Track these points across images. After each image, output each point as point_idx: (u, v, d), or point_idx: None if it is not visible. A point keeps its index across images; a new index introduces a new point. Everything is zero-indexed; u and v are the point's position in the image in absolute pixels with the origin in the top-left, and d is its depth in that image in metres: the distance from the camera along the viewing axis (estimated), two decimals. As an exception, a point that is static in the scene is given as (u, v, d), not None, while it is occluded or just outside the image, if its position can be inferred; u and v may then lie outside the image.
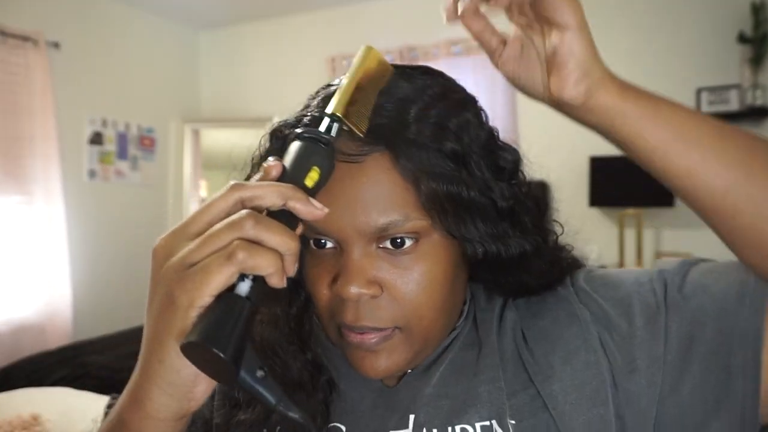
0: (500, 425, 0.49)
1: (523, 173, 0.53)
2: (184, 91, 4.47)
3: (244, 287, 0.36)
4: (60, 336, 3.32)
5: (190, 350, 0.35)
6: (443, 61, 3.57)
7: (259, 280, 0.37)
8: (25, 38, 3.24)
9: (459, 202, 0.46)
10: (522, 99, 3.45)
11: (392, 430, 0.51)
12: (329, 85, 0.52)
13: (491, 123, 0.53)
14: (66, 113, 3.50)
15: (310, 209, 0.38)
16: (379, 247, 0.47)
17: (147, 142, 4.11)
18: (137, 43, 4.04)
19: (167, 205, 4.32)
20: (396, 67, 0.50)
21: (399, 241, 0.46)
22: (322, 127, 0.43)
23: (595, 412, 0.48)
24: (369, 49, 0.48)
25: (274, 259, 0.36)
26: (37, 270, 3.30)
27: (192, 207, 4.35)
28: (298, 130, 0.44)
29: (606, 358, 0.49)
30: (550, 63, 0.45)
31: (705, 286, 0.48)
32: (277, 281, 0.36)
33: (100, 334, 3.13)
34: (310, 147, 0.42)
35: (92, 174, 3.73)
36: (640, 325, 0.49)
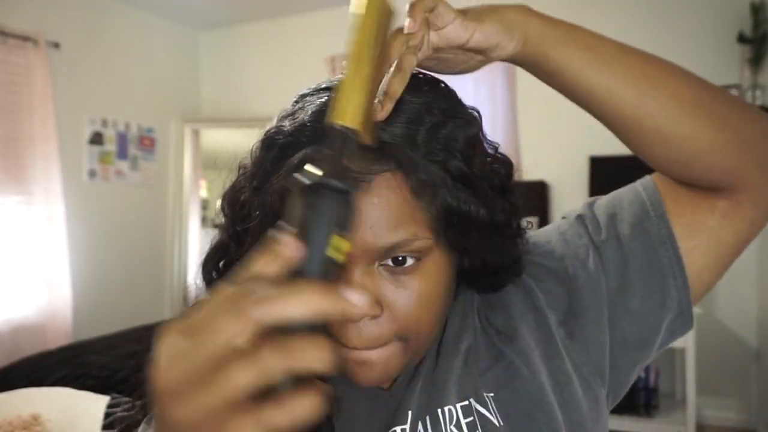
0: (478, 401, 0.51)
1: (513, 183, 0.53)
2: (184, 91, 4.47)
3: None
4: (60, 336, 3.33)
5: None
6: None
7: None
8: (25, 38, 3.24)
9: (466, 221, 0.46)
10: (522, 99, 3.47)
11: (393, 426, 0.52)
12: (317, 90, 0.50)
13: (492, 124, 0.53)
14: (66, 113, 3.51)
15: (346, 314, 0.30)
16: (381, 265, 0.46)
17: (147, 142, 4.12)
18: (137, 43, 4.05)
19: (167, 205, 4.32)
20: None
21: (401, 259, 0.46)
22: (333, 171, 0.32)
23: (553, 365, 0.53)
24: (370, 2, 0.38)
25: (311, 401, 0.27)
26: (37, 270, 3.30)
27: (192, 207, 4.36)
28: (305, 181, 0.32)
29: (553, 315, 0.55)
30: (478, 51, 0.49)
31: (613, 215, 0.56)
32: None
33: (100, 334, 3.13)
34: (327, 206, 0.31)
35: (92, 174, 3.73)
36: (578, 268, 0.55)
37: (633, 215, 0.55)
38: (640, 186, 0.58)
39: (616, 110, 0.50)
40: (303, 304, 0.28)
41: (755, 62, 2.91)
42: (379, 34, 0.38)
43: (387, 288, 0.46)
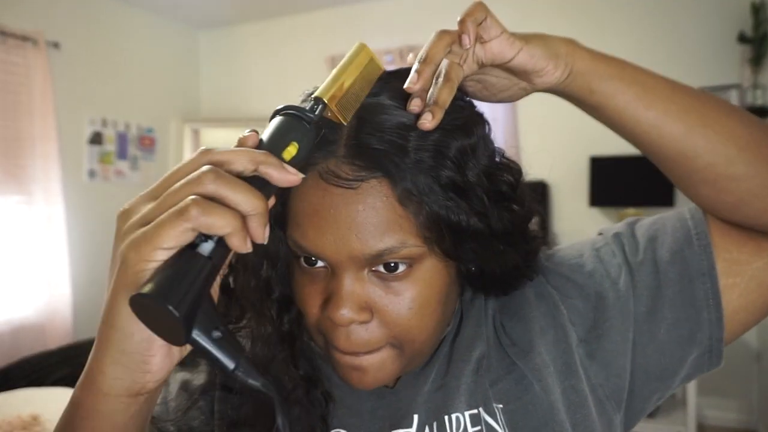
0: (487, 412, 0.51)
1: (521, 188, 0.52)
2: (184, 91, 4.47)
3: (206, 247, 0.34)
4: (60, 336, 3.33)
5: (139, 306, 0.33)
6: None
7: (222, 242, 0.34)
8: (25, 38, 3.24)
9: (457, 230, 0.45)
10: (522, 99, 3.47)
11: (397, 429, 0.52)
12: None
13: (492, 124, 0.52)
14: (66, 113, 3.51)
15: (283, 175, 0.37)
16: (372, 271, 0.46)
17: (147, 142, 4.11)
18: (137, 43, 4.04)
19: (167, 205, 4.31)
20: (395, 75, 0.49)
21: (392, 265, 0.45)
22: (307, 106, 0.43)
23: (567, 384, 0.51)
24: (362, 46, 0.48)
25: (231, 218, 0.34)
26: (37, 270, 3.30)
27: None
28: (280, 107, 0.42)
29: (574, 332, 0.53)
30: (523, 74, 0.49)
31: (654, 238, 0.54)
32: (237, 243, 0.34)
33: (100, 334, 3.12)
34: (290, 122, 0.41)
35: (92, 174, 3.73)
36: (607, 287, 0.53)
37: (675, 241, 0.53)
38: (687, 213, 0.55)
39: (663, 147, 0.49)
40: (248, 156, 0.36)
41: (755, 62, 2.91)
42: (366, 71, 0.47)
43: (377, 294, 0.46)
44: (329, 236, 0.44)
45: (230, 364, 0.35)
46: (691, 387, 2.60)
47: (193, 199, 0.33)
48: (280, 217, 0.48)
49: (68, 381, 2.39)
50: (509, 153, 0.53)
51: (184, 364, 0.55)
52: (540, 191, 3.31)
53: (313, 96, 0.43)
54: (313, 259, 0.47)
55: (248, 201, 0.34)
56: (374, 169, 0.44)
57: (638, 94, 0.48)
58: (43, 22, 3.38)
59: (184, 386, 0.56)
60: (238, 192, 0.34)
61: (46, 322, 3.32)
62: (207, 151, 0.37)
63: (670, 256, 0.53)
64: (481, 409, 0.51)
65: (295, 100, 0.54)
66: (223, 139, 4.57)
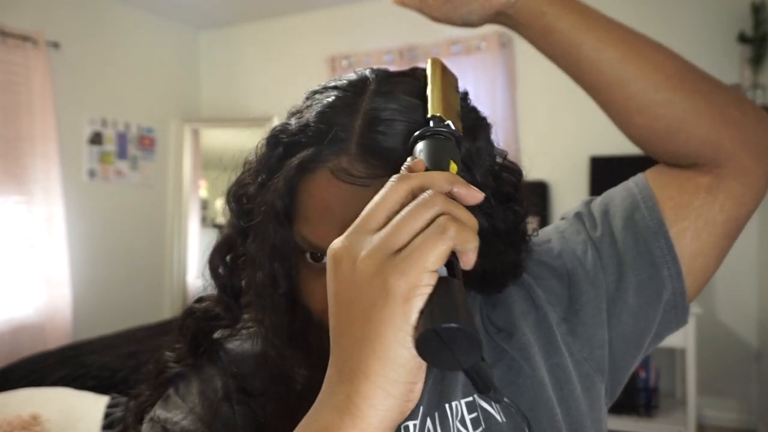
0: (481, 398, 0.52)
1: (521, 189, 0.54)
2: (184, 91, 4.47)
3: (445, 271, 0.34)
4: (60, 336, 3.33)
5: (429, 340, 0.32)
6: (443, 60, 3.57)
7: (456, 261, 0.34)
8: (25, 38, 3.24)
9: None
10: (522, 99, 3.47)
11: (405, 422, 0.53)
12: (326, 88, 0.51)
13: (492, 125, 0.54)
14: (66, 113, 3.51)
15: (471, 193, 0.37)
16: None
17: (147, 142, 4.12)
18: (137, 43, 4.05)
19: (167, 205, 4.32)
20: (404, 76, 0.50)
21: None
22: (441, 125, 0.44)
23: (552, 362, 0.54)
24: (434, 60, 0.52)
25: (473, 233, 0.34)
26: (37, 270, 3.30)
27: (192, 207, 4.36)
28: (419, 132, 0.43)
29: (554, 311, 0.55)
30: None
31: (606, 211, 0.58)
32: (474, 257, 0.35)
33: (99, 334, 3.13)
34: (440, 143, 0.43)
35: (92, 174, 3.73)
36: (576, 264, 0.56)
37: (624, 209, 0.57)
38: (632, 182, 0.59)
39: (601, 72, 0.53)
40: (444, 178, 0.37)
41: (755, 62, 2.91)
42: (447, 81, 0.51)
43: None
44: (340, 232, 0.45)
45: (488, 385, 0.38)
46: (691, 387, 2.60)
47: (448, 218, 0.34)
48: (286, 213, 0.48)
49: (68, 381, 2.39)
50: (509, 153, 0.55)
51: (198, 368, 0.56)
52: (540, 191, 3.31)
53: (432, 116, 0.45)
54: (319, 254, 0.48)
55: (472, 219, 0.35)
56: (386, 168, 0.45)
57: (580, 19, 0.53)
58: (43, 22, 3.38)
59: (203, 395, 0.55)
60: (463, 211, 0.35)
61: (46, 322, 3.32)
62: (403, 177, 0.37)
63: (622, 223, 0.56)
64: (476, 396, 0.52)
65: (296, 101, 0.54)
66: (222, 139, 4.56)
